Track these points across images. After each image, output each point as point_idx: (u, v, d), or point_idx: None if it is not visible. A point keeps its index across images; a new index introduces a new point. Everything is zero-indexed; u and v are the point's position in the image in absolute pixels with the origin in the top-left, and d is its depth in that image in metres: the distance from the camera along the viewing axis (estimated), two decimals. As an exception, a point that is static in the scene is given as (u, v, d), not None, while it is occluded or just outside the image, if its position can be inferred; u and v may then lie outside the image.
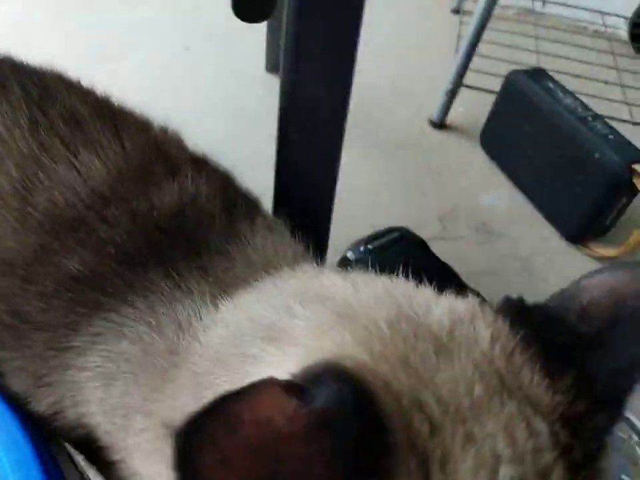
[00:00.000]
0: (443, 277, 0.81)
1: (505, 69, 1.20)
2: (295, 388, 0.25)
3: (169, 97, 1.15)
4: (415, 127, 1.29)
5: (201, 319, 0.43)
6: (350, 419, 0.25)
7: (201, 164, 0.53)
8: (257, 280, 0.45)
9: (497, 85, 1.19)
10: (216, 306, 0.43)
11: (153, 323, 0.43)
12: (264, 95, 1.18)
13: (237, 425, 0.23)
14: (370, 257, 0.83)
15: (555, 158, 1.10)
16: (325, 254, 0.66)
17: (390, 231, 1.01)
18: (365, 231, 0.87)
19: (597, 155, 1.02)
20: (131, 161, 0.49)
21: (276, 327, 0.37)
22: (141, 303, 0.44)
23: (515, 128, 1.16)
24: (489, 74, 1.24)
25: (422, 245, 1.00)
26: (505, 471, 0.27)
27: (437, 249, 0.87)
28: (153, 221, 0.47)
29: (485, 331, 0.33)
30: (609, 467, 0.30)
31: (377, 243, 0.92)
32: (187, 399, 0.40)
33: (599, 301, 0.33)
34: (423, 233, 0.90)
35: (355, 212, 0.99)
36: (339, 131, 0.63)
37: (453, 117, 1.29)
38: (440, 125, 1.28)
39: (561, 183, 1.09)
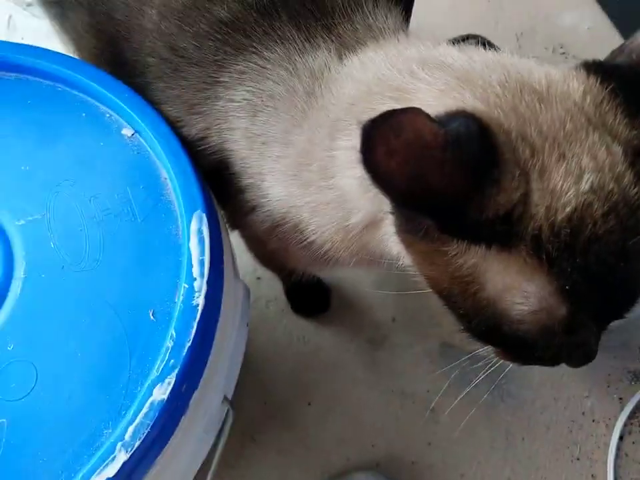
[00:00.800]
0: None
1: None
2: (435, 119, 0.36)
3: None
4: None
5: (330, 70, 0.51)
6: (474, 139, 0.36)
7: None
8: (376, 42, 0.52)
9: None
10: (341, 62, 0.51)
11: (291, 68, 0.52)
12: None
13: (400, 130, 0.35)
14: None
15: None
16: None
17: (469, 37, 1.05)
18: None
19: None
20: None
21: (403, 88, 0.45)
22: (279, 50, 0.52)
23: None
24: None
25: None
26: (587, 177, 0.38)
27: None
28: None
29: (578, 87, 0.43)
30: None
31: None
32: (322, 136, 0.49)
33: None
34: (498, 47, 0.93)
35: (433, 19, 1.01)
36: None
37: None
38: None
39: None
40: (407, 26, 0.58)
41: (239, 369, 0.58)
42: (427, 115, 0.36)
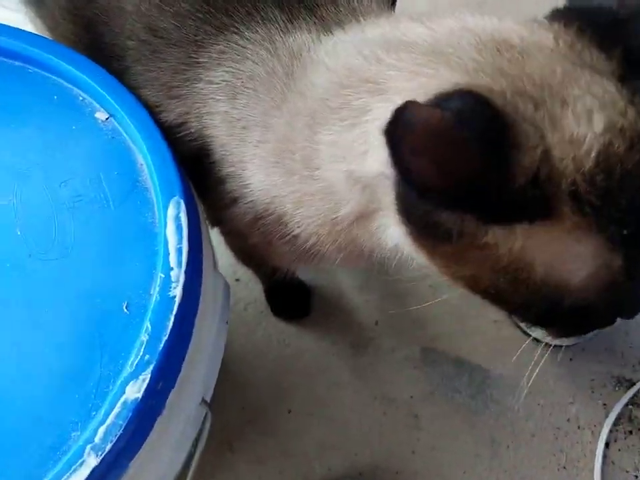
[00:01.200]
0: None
1: None
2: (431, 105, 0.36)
3: None
4: None
5: (309, 50, 0.49)
6: (476, 112, 0.35)
7: None
8: (357, 23, 0.50)
9: None
10: (320, 43, 0.49)
11: (271, 48, 0.50)
12: None
13: (411, 127, 0.34)
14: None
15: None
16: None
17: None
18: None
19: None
20: None
21: (373, 79, 0.43)
22: (261, 30, 0.51)
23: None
24: None
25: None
26: (597, 117, 0.37)
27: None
28: None
29: (547, 35, 0.42)
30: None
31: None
32: (301, 125, 0.48)
33: None
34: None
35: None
36: None
37: None
38: None
39: None
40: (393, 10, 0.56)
41: (217, 370, 0.54)
42: (424, 105, 0.35)
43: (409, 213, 0.40)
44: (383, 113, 0.41)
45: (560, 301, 0.39)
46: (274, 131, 0.50)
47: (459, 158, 0.35)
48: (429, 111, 0.34)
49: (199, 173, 0.55)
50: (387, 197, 0.42)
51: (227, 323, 0.57)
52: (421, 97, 0.38)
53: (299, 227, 0.51)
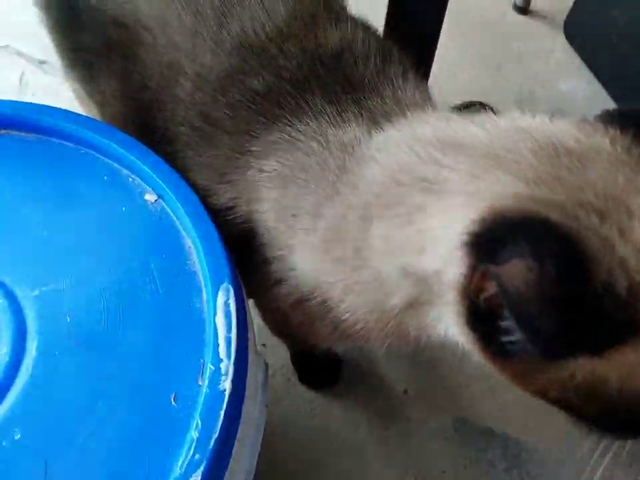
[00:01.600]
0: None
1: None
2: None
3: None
4: (498, 10, 1.28)
5: (360, 144, 0.50)
6: (566, 261, 0.34)
7: (357, 20, 0.61)
8: (404, 116, 0.51)
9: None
10: (370, 137, 0.50)
11: (323, 141, 0.51)
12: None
13: (523, 294, 0.34)
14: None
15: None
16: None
17: (471, 104, 1.06)
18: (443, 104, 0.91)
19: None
20: (305, 8, 0.58)
21: (429, 179, 0.43)
22: (311, 122, 0.52)
23: (601, 13, 1.15)
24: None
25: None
26: None
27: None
28: (318, 55, 0.55)
29: (604, 138, 0.41)
30: None
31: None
32: (354, 216, 0.48)
33: None
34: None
35: (433, 84, 1.02)
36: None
37: (536, 3, 1.28)
38: (524, 9, 1.27)
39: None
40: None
41: (256, 459, 0.53)
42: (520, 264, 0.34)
43: (479, 329, 0.40)
44: (438, 212, 0.41)
45: (635, 409, 0.38)
46: (325, 220, 0.50)
47: (565, 306, 0.34)
48: (532, 270, 0.34)
49: (243, 253, 0.56)
50: (446, 295, 0.41)
51: (266, 406, 0.56)
52: (479, 202, 0.38)
53: (347, 313, 0.51)
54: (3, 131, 0.56)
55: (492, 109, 1.08)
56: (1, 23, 1.20)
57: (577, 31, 1.23)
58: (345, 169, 0.50)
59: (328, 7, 0.59)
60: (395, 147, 0.47)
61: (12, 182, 0.54)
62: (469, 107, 1.03)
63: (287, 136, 0.52)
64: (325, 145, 0.51)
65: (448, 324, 0.44)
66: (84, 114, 0.78)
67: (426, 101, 0.56)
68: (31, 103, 0.58)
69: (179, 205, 0.52)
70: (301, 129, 0.52)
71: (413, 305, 0.46)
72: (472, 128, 0.45)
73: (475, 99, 1.07)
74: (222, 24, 0.56)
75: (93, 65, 0.63)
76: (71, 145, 0.56)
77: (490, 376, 0.90)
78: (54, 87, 1.12)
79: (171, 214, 0.53)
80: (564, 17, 1.24)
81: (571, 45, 1.24)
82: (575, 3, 1.21)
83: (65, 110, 0.57)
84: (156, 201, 0.53)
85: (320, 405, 0.88)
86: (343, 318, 0.51)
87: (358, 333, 0.52)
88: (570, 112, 1.16)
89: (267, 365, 0.58)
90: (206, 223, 0.51)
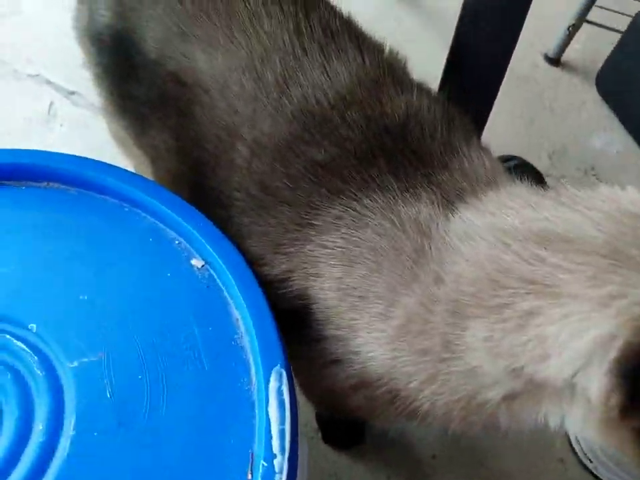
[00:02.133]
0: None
1: (633, 8, 1.16)
2: None
3: None
4: (529, 61, 1.27)
5: (438, 228, 0.47)
6: None
7: (421, 85, 0.59)
8: (476, 195, 0.49)
9: (620, 23, 1.16)
10: (447, 219, 0.48)
11: (396, 221, 0.48)
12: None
13: None
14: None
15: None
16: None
17: (509, 158, 1.04)
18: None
19: None
20: (368, 74, 0.56)
21: (538, 281, 0.40)
22: (379, 198, 0.49)
23: (634, 67, 1.14)
24: (613, 11, 1.20)
25: (538, 175, 1.04)
26: None
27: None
28: (384, 125, 0.53)
29: None
30: None
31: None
32: (441, 310, 0.45)
33: None
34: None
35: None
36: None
37: (568, 54, 1.27)
38: (555, 60, 1.27)
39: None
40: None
41: None
42: None
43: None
44: (560, 319, 0.39)
45: None
46: (403, 308, 0.47)
47: None
48: None
49: (292, 328, 0.52)
50: (578, 401, 0.40)
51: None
52: (611, 310, 0.36)
53: (427, 401, 0.48)
54: (44, 184, 0.54)
55: (532, 167, 1.06)
56: (33, 51, 1.19)
57: (610, 85, 1.22)
58: (424, 255, 0.47)
59: (391, 71, 0.57)
60: (480, 238, 0.45)
61: (53, 237, 0.51)
62: (508, 162, 1.01)
63: (352, 211, 0.50)
64: (399, 225, 0.48)
65: (572, 422, 0.42)
66: (123, 159, 0.75)
67: (495, 169, 0.53)
68: (69, 154, 0.56)
69: (227, 272, 0.49)
70: (367, 205, 0.49)
71: (514, 399, 0.44)
72: (568, 214, 0.42)
73: (509, 153, 1.05)
74: (283, 90, 0.54)
75: (146, 117, 0.61)
76: (114, 201, 0.53)
77: (522, 442, 0.87)
78: (82, 120, 1.11)
79: (219, 282, 0.50)
80: (596, 67, 1.23)
81: (603, 98, 1.23)
82: (608, 56, 1.21)
83: (109, 164, 0.55)
84: (203, 266, 0.50)
85: (344, 466, 0.84)
86: (417, 405, 0.48)
87: (435, 420, 0.49)
88: (603, 167, 1.14)
89: (307, 448, 0.55)
90: (257, 294, 0.48)
